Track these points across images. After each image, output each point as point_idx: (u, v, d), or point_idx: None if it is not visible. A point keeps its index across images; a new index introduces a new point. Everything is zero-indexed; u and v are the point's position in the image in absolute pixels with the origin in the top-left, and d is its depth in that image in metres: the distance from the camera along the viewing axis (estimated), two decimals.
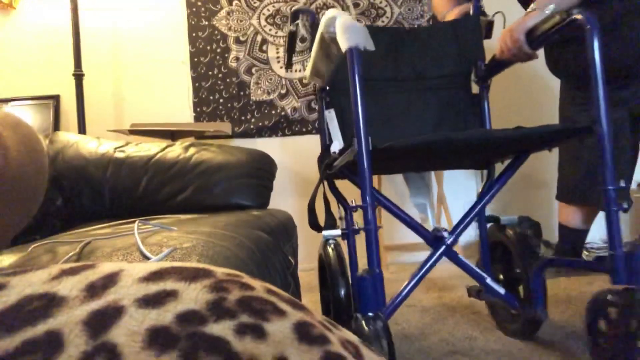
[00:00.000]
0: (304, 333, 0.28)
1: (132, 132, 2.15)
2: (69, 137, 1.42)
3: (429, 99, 1.37)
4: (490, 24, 1.39)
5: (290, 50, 1.36)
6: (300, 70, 2.64)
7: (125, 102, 2.66)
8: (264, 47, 2.66)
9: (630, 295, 0.84)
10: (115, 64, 2.65)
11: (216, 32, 2.65)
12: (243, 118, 2.64)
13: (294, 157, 2.62)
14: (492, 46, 1.35)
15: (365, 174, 0.85)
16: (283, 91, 2.62)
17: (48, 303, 0.26)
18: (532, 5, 1.20)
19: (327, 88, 1.28)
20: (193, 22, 2.65)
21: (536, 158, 2.62)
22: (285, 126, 2.65)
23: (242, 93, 2.64)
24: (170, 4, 2.66)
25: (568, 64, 1.64)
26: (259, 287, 0.31)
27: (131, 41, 2.66)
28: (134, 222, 0.88)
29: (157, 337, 0.24)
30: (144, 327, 0.25)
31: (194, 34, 2.65)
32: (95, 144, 1.39)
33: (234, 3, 2.65)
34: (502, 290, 1.16)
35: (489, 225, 1.34)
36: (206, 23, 2.65)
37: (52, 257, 0.64)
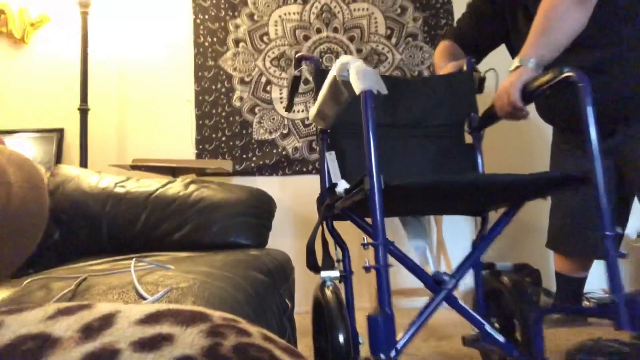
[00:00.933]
0: None
1: (134, 167, 2.16)
2: (70, 170, 1.43)
3: (425, 146, 1.43)
4: (482, 80, 1.46)
5: (292, 93, 1.41)
6: (302, 111, 2.69)
7: (129, 137, 2.68)
8: (268, 88, 2.71)
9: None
10: (121, 100, 2.70)
11: (221, 72, 2.71)
12: (244, 156, 2.66)
13: (293, 196, 2.63)
14: (483, 100, 1.41)
15: (377, 211, 0.86)
16: (285, 131, 2.66)
17: (42, 344, 0.25)
18: (514, 62, 1.25)
19: (329, 131, 1.32)
20: (199, 62, 2.72)
21: (535, 204, 2.62)
22: (285, 165, 2.67)
23: (244, 132, 2.68)
24: (178, 44, 2.73)
25: (560, 112, 1.68)
26: (256, 333, 0.31)
27: (138, 78, 2.71)
28: (130, 259, 0.88)
29: None
30: None
31: (199, 73, 2.71)
32: (96, 178, 1.40)
33: (240, 45, 2.73)
34: (501, 338, 1.15)
35: (484, 272, 1.34)
36: (212, 63, 2.72)
37: (46, 293, 0.64)
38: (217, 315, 0.32)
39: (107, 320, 0.28)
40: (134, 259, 0.79)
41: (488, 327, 1.16)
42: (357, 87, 0.90)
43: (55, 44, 2.69)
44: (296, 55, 1.36)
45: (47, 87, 2.67)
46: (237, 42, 2.73)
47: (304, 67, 1.36)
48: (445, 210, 1.53)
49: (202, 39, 2.72)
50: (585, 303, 2.27)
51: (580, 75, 0.99)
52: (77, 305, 0.30)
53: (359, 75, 0.91)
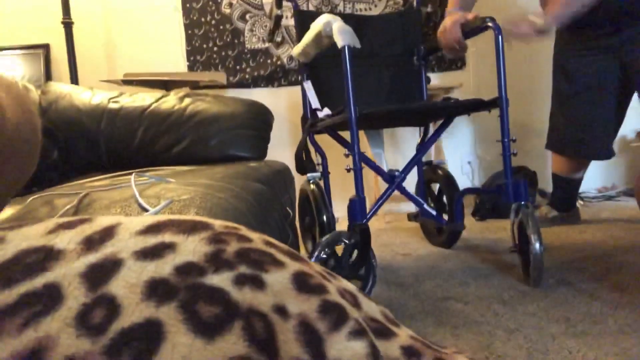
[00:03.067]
0: (302, 283, 0.28)
1: (125, 82, 2.11)
2: (61, 87, 1.39)
3: (382, 73, 1.77)
4: (429, 15, 1.84)
5: (274, 30, 1.66)
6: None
7: (117, 52, 2.59)
8: None
9: None
10: (106, 12, 2.57)
11: None
12: (238, 67, 2.58)
13: (290, 107, 2.59)
14: None
15: (354, 132, 1.24)
16: (279, 39, 2.55)
17: (45, 256, 0.26)
18: (540, 19, 1.44)
19: (307, 65, 1.61)
20: None
21: (532, 107, 2.61)
22: (281, 76, 2.60)
23: (236, 41, 2.57)
24: None
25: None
26: (257, 239, 0.31)
27: None
28: (130, 173, 0.88)
29: (156, 289, 0.25)
30: (142, 279, 0.25)
31: None
32: (88, 95, 1.36)
33: None
34: (434, 212, 1.63)
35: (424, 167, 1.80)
36: None
37: (50, 209, 0.64)
38: (219, 223, 0.32)
39: (108, 232, 0.29)
40: (134, 174, 0.79)
41: (425, 205, 1.63)
42: (339, 42, 1.21)
43: None
44: None
45: (27, 1, 2.52)
46: None
47: (285, 5, 1.59)
48: (397, 124, 1.98)
49: None
50: (580, 202, 2.33)
51: (495, 25, 1.37)
52: (77, 219, 0.30)
53: (340, 33, 1.21)
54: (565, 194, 1.95)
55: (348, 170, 1.32)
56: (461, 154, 2.68)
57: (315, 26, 1.29)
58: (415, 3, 1.84)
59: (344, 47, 1.20)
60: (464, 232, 1.95)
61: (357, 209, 1.23)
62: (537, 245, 1.23)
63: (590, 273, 1.33)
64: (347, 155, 1.30)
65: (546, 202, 2.07)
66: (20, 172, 0.43)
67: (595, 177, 2.63)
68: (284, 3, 1.58)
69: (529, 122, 2.57)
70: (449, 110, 1.52)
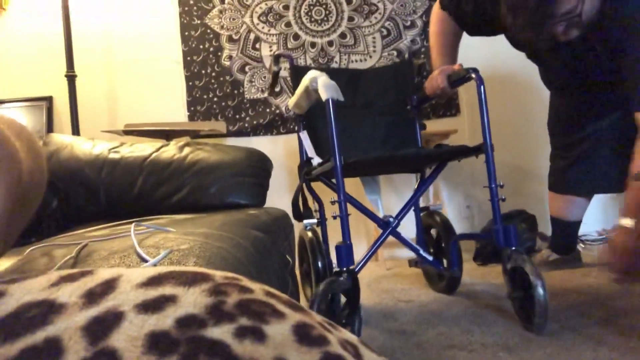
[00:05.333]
0: (304, 334, 0.28)
1: (126, 132, 2.14)
2: (62, 138, 1.41)
3: (377, 121, 1.86)
4: (421, 66, 1.86)
5: (273, 85, 1.79)
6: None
7: (119, 103, 2.64)
8: (257, 45, 2.65)
9: None
10: (108, 65, 2.64)
11: (209, 30, 2.64)
12: (237, 116, 2.63)
13: (289, 154, 2.62)
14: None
15: (339, 179, 1.31)
16: (277, 89, 2.62)
17: (47, 310, 0.26)
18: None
19: (302, 116, 1.69)
20: (185, 21, 2.64)
21: (530, 151, 2.64)
22: (280, 124, 2.65)
23: (236, 91, 2.64)
24: (162, 3, 2.65)
25: (555, 79, 1.79)
26: (258, 289, 0.31)
27: (123, 41, 2.64)
28: (130, 223, 0.88)
29: (157, 342, 0.24)
30: (143, 332, 0.25)
31: (186, 33, 2.64)
32: (89, 145, 1.38)
33: (226, 1, 2.64)
34: (430, 258, 1.66)
35: (422, 213, 1.83)
36: (198, 22, 2.64)
37: (48, 260, 0.64)
38: (219, 274, 0.32)
39: (109, 285, 0.29)
40: (134, 223, 0.80)
41: (421, 251, 1.65)
42: (323, 96, 1.30)
43: (35, 10, 2.60)
44: (275, 54, 1.82)
45: (31, 54, 2.60)
46: None
47: (282, 63, 1.78)
48: (391, 171, 2.04)
49: None
50: (581, 245, 2.32)
51: (477, 77, 1.46)
52: (79, 272, 0.31)
53: (324, 87, 1.30)
54: (565, 236, 1.94)
55: (335, 218, 1.35)
56: (460, 198, 2.69)
57: (304, 81, 1.37)
58: (407, 55, 1.97)
59: (327, 100, 1.29)
60: (466, 277, 1.93)
61: (343, 254, 1.27)
62: (541, 291, 1.21)
63: (595, 318, 1.31)
64: (333, 203, 1.35)
65: (546, 245, 2.06)
66: (28, 216, 0.44)
67: (596, 219, 2.63)
68: (281, 59, 1.69)
69: (527, 165, 2.60)
70: (434, 157, 1.61)
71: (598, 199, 2.54)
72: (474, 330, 1.30)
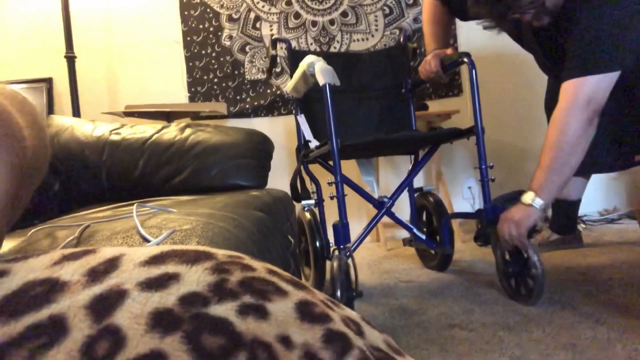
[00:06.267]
0: (306, 312, 0.28)
1: (127, 114, 2.13)
2: (63, 120, 1.41)
3: (372, 105, 1.90)
4: (415, 50, 1.93)
5: (270, 69, 1.82)
6: (294, 48, 2.62)
7: (119, 84, 2.63)
8: (258, 25, 2.62)
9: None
10: (108, 46, 2.62)
11: (208, 10, 2.61)
12: (238, 97, 2.61)
13: (290, 135, 2.62)
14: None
15: (336, 162, 1.35)
16: (278, 69, 2.59)
17: (51, 288, 0.26)
18: (526, 198, 1.45)
19: (300, 99, 1.73)
20: (185, 0, 2.61)
21: (533, 131, 2.63)
22: (280, 105, 2.63)
23: (236, 72, 2.62)
24: None
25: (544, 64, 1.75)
26: (260, 267, 0.31)
27: (123, 21, 2.61)
28: (132, 204, 0.88)
29: (161, 320, 0.25)
30: (147, 310, 0.25)
31: (185, 13, 2.61)
32: (90, 127, 1.38)
33: None
34: (423, 236, 1.73)
35: (416, 194, 1.90)
36: (198, 1, 2.61)
37: (51, 241, 0.65)
38: (222, 253, 0.32)
39: (112, 264, 0.29)
40: (136, 204, 0.80)
41: (414, 230, 1.73)
42: (320, 80, 1.33)
43: None
44: (272, 38, 1.77)
45: (31, 36, 2.58)
46: None
47: (279, 47, 1.82)
48: (386, 153, 2.07)
49: None
50: (582, 225, 2.33)
51: (470, 61, 1.50)
52: (81, 251, 0.31)
53: (321, 72, 1.33)
54: (565, 216, 1.94)
55: (331, 198, 1.39)
56: (461, 179, 2.69)
57: (301, 66, 1.41)
58: (402, 39, 1.99)
59: (324, 85, 1.33)
60: (467, 258, 1.94)
61: (340, 233, 1.32)
62: (538, 264, 1.27)
63: (595, 297, 1.32)
64: (330, 184, 1.39)
65: (547, 225, 2.06)
66: (30, 194, 0.43)
67: (597, 200, 2.63)
68: (278, 44, 1.73)
69: (529, 146, 2.59)
70: (427, 140, 1.67)
71: (599, 180, 2.54)
72: (474, 310, 1.31)
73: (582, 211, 1.99)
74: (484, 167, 1.47)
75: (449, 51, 1.61)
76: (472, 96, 1.48)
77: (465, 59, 1.50)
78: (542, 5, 1.31)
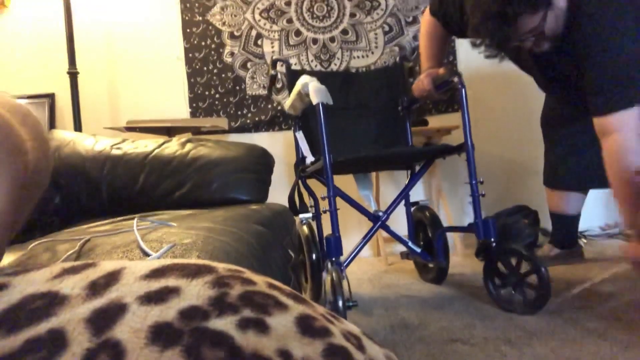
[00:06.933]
0: (306, 326, 0.28)
1: (129, 129, 2.14)
2: (65, 135, 1.42)
3: (369, 122, 1.96)
4: (411, 68, 1.99)
5: (270, 88, 1.90)
6: (295, 64, 2.64)
7: (121, 99, 2.64)
8: (259, 42, 2.65)
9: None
10: (110, 62, 2.64)
11: (210, 27, 2.64)
12: (239, 113, 2.63)
13: (290, 150, 2.62)
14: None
15: (329, 177, 1.41)
16: (279, 85, 2.61)
17: (50, 302, 0.26)
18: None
19: (298, 116, 1.78)
20: (187, 18, 2.64)
21: (533, 146, 2.63)
22: (281, 120, 2.64)
23: (237, 88, 2.63)
24: (164, 0, 2.64)
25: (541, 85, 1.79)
26: (261, 281, 0.31)
27: (125, 38, 2.64)
28: (132, 218, 0.88)
29: (161, 333, 0.25)
30: (147, 324, 0.25)
31: (188, 30, 2.64)
32: (91, 142, 1.38)
33: None
34: (418, 249, 1.75)
35: (413, 208, 1.95)
36: (200, 18, 2.64)
37: (51, 255, 0.64)
38: (222, 267, 0.32)
39: (112, 277, 0.29)
40: (136, 218, 0.80)
41: (410, 244, 1.75)
42: (314, 100, 1.39)
43: (37, 7, 2.60)
44: (272, 59, 1.87)
45: (34, 51, 2.60)
46: None
47: (278, 67, 1.86)
48: (381, 168, 2.14)
49: None
50: (583, 241, 2.32)
51: (460, 81, 1.53)
52: (82, 264, 0.31)
53: (315, 92, 1.39)
54: (565, 231, 1.94)
55: (324, 212, 1.43)
56: (462, 194, 2.68)
57: (297, 86, 1.47)
58: (398, 58, 2.09)
59: (317, 104, 1.39)
60: (469, 273, 1.93)
61: (332, 246, 1.37)
62: (543, 269, 1.32)
63: (598, 312, 1.31)
64: (323, 199, 1.44)
65: (548, 240, 2.06)
66: (32, 205, 0.43)
67: (598, 214, 2.62)
68: (278, 63, 1.80)
69: (530, 160, 2.59)
70: (419, 156, 1.73)
71: (600, 195, 2.53)
72: (476, 324, 1.30)
73: (583, 226, 1.98)
74: (474, 182, 1.51)
75: (442, 71, 1.65)
76: (462, 114, 1.53)
77: (455, 79, 1.55)
78: (542, 33, 1.33)
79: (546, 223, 2.39)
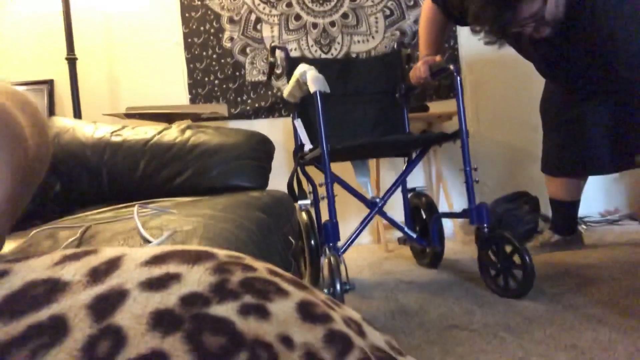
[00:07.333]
0: (307, 312, 0.28)
1: (128, 115, 2.13)
2: (64, 122, 1.41)
3: (367, 109, 1.97)
4: (408, 56, 1.99)
5: (269, 75, 1.87)
6: (295, 49, 2.62)
7: (120, 86, 2.63)
8: (258, 26, 2.62)
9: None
10: (109, 47, 2.62)
11: (209, 11, 2.61)
12: (239, 99, 2.62)
13: (291, 137, 2.61)
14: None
15: (326, 164, 1.44)
16: (279, 71, 2.60)
17: (52, 288, 0.26)
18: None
19: (297, 104, 1.77)
20: (185, 2, 2.61)
21: (534, 132, 2.63)
22: (281, 107, 2.63)
23: (237, 74, 2.62)
24: None
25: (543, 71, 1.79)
26: (262, 268, 0.31)
27: (123, 23, 2.62)
28: (133, 205, 0.88)
29: (162, 320, 0.25)
30: (148, 310, 0.25)
31: (186, 14, 2.61)
32: (91, 129, 1.38)
33: None
34: (414, 235, 1.82)
35: (410, 194, 1.98)
36: (199, 3, 2.61)
37: (52, 242, 0.65)
38: (223, 253, 0.32)
39: (113, 264, 0.29)
40: (137, 205, 0.80)
41: (405, 229, 1.80)
42: (312, 88, 1.42)
43: None
44: (271, 45, 1.92)
45: (32, 38, 2.58)
46: None
47: (277, 54, 1.83)
48: (379, 155, 2.22)
49: None
50: (582, 227, 2.32)
51: (456, 69, 1.55)
52: (83, 251, 0.31)
53: (312, 80, 1.42)
54: (565, 217, 1.94)
55: (322, 199, 1.46)
56: (462, 181, 2.68)
57: (295, 74, 1.51)
58: (395, 45, 2.10)
59: (315, 93, 1.42)
60: (468, 259, 1.94)
61: (329, 231, 1.40)
62: (527, 256, 1.35)
63: (597, 298, 1.32)
64: (320, 185, 1.46)
65: (548, 226, 2.06)
66: (32, 192, 0.43)
67: (598, 201, 2.62)
68: (277, 51, 1.84)
69: (530, 147, 2.58)
70: (414, 143, 1.76)
71: (599, 180, 2.54)
72: (475, 311, 1.31)
73: (583, 212, 1.99)
74: (468, 169, 1.55)
75: (438, 58, 1.67)
76: (456, 101, 1.54)
77: (451, 66, 1.57)
78: (542, 18, 1.32)
79: (547, 209, 2.40)
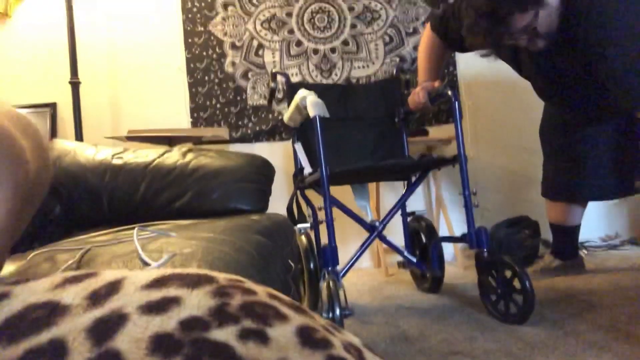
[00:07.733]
0: (307, 337, 0.28)
1: (130, 138, 2.15)
2: (66, 144, 1.42)
3: (367, 133, 2.00)
4: (407, 81, 2.11)
5: (270, 100, 1.95)
6: (296, 74, 2.65)
7: (122, 109, 2.65)
8: (260, 52, 2.66)
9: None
10: (112, 71, 2.65)
11: (212, 37, 2.66)
12: (240, 123, 2.64)
13: (291, 161, 2.62)
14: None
15: (325, 188, 1.46)
16: (280, 95, 2.62)
17: (51, 311, 0.26)
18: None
19: (297, 128, 1.81)
20: (189, 28, 2.66)
21: (534, 157, 2.64)
22: (282, 130, 2.65)
23: (238, 98, 2.65)
24: (166, 10, 2.66)
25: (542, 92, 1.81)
26: (261, 291, 0.31)
27: (127, 48, 2.66)
28: (133, 228, 0.88)
29: (161, 344, 0.25)
30: (147, 334, 0.25)
31: (189, 40, 2.65)
32: (92, 151, 1.39)
33: (229, 9, 2.66)
34: (414, 259, 1.81)
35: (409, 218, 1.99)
36: (202, 29, 2.66)
37: (51, 265, 0.64)
38: (223, 276, 0.32)
39: (113, 287, 0.29)
40: (137, 228, 0.80)
41: (405, 253, 1.81)
42: (311, 113, 1.45)
43: (40, 17, 2.62)
44: (272, 72, 1.93)
45: (36, 61, 2.62)
46: (225, 6, 2.66)
47: (278, 79, 1.93)
48: (377, 179, 2.21)
49: (190, 4, 2.66)
50: (584, 252, 2.31)
51: (454, 94, 1.57)
52: (83, 274, 0.31)
53: (312, 105, 1.45)
54: (565, 241, 1.94)
55: (321, 223, 1.46)
56: (462, 205, 2.68)
57: (295, 99, 1.54)
58: (395, 71, 2.13)
59: (314, 117, 1.45)
60: (469, 284, 1.93)
61: (329, 256, 1.40)
62: (526, 280, 1.34)
63: (599, 324, 1.30)
64: (320, 209, 1.46)
65: (549, 251, 2.05)
66: (32, 214, 0.43)
67: (599, 225, 2.62)
68: (278, 76, 1.87)
69: (530, 171, 2.59)
70: (413, 167, 1.78)
71: (600, 205, 2.53)
72: (477, 337, 1.30)
73: (583, 237, 1.98)
74: (467, 193, 1.56)
75: (437, 84, 1.69)
76: (455, 126, 1.56)
77: (449, 92, 1.59)
78: (535, 30, 1.34)
79: (547, 234, 2.39)
